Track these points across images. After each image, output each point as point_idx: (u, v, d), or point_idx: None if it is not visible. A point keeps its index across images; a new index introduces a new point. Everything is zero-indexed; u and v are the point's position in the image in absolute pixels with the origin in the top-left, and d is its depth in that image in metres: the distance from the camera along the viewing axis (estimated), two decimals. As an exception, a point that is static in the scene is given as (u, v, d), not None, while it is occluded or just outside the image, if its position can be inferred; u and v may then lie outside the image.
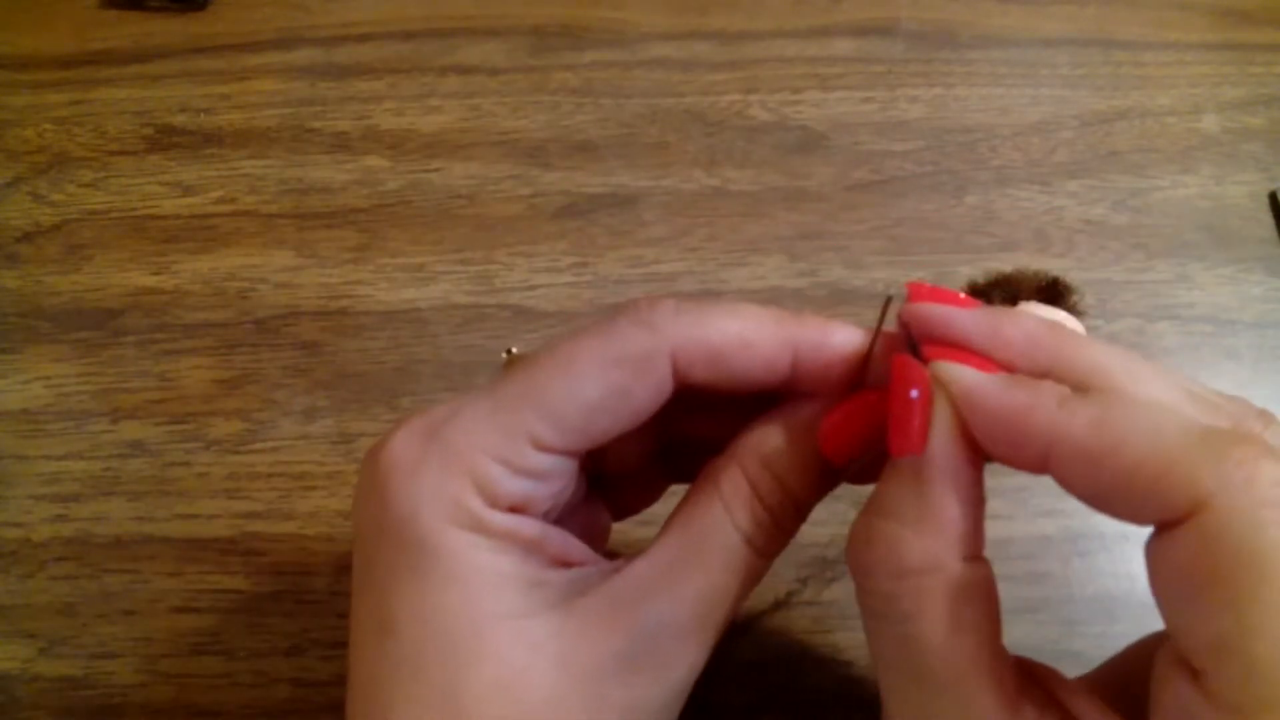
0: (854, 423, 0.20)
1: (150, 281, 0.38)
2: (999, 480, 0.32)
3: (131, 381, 0.36)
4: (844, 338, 0.20)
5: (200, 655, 0.31)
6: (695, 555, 0.20)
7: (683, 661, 0.20)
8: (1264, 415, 0.18)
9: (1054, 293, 0.33)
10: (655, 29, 0.45)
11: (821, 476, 0.21)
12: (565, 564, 0.20)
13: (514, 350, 0.23)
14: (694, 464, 0.22)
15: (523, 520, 0.20)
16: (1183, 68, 0.43)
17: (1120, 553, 0.32)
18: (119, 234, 0.39)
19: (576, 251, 0.38)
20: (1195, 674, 0.16)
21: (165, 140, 0.42)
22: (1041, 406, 0.17)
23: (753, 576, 0.20)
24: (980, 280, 0.34)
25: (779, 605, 0.31)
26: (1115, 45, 0.44)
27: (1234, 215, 0.39)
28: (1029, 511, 0.32)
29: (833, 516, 0.32)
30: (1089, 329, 0.33)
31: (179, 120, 0.43)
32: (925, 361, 0.19)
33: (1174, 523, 0.16)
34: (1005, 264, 0.35)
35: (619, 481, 0.25)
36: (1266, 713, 0.15)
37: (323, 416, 0.35)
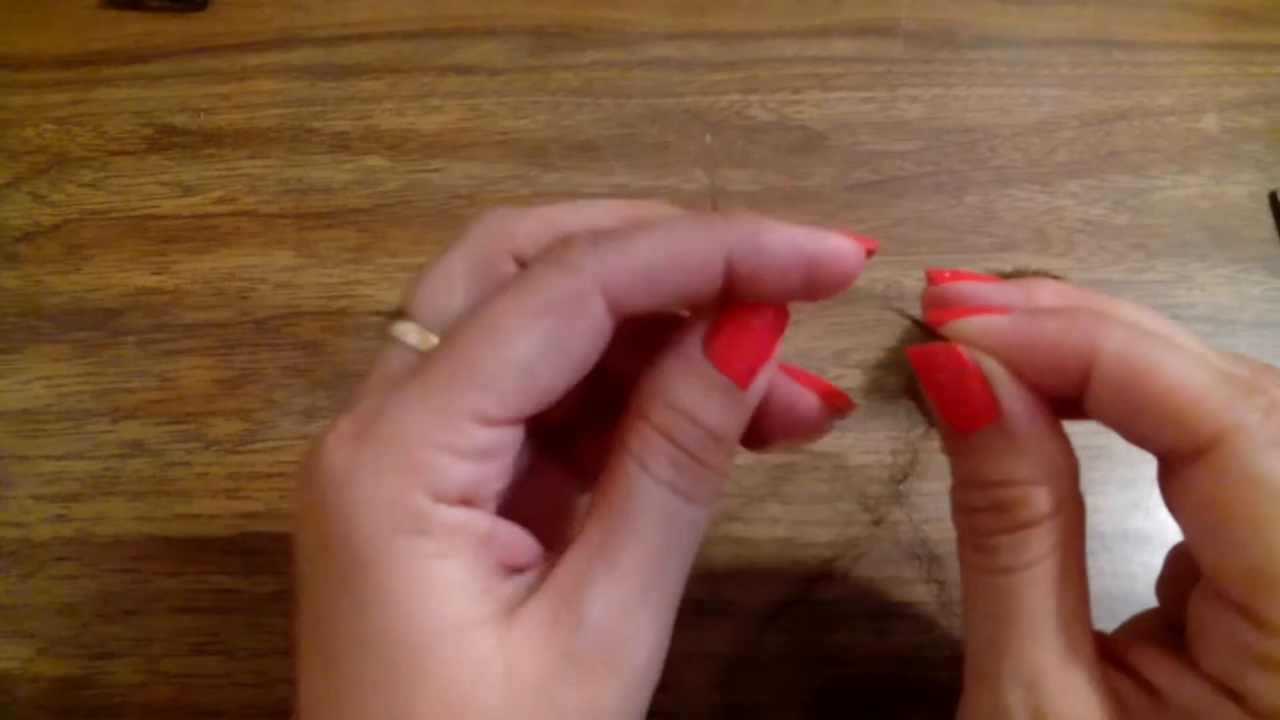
0: (742, 334, 0.19)
1: (150, 281, 0.38)
2: (999, 480, 0.32)
3: (131, 381, 0.36)
4: (774, 239, 0.19)
5: (200, 655, 0.31)
6: (624, 523, 0.18)
7: (638, 644, 0.18)
8: (1272, 371, 0.19)
9: (1054, 293, 0.33)
10: (655, 29, 0.45)
11: (733, 401, 0.19)
12: (512, 568, 0.19)
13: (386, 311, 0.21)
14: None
15: (472, 514, 0.18)
16: (1183, 68, 0.43)
17: (1120, 553, 0.32)
18: (119, 234, 0.39)
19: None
20: (1240, 607, 0.16)
21: (165, 140, 0.42)
22: (1081, 323, 0.18)
23: (691, 529, 0.19)
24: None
25: (779, 605, 0.31)
26: (1115, 45, 0.44)
27: (1234, 215, 0.39)
28: (1029, 511, 0.32)
29: (836, 517, 0.32)
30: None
31: (179, 120, 0.43)
32: (934, 334, 0.19)
33: (1194, 454, 0.17)
34: (1005, 264, 0.36)
35: (570, 436, 0.23)
36: None
37: (323, 416, 0.35)
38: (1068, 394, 0.18)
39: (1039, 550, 0.18)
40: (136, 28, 0.46)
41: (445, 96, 0.43)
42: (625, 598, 0.18)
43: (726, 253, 0.19)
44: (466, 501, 0.18)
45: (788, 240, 0.19)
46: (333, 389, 0.35)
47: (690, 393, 0.19)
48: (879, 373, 0.35)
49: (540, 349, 0.18)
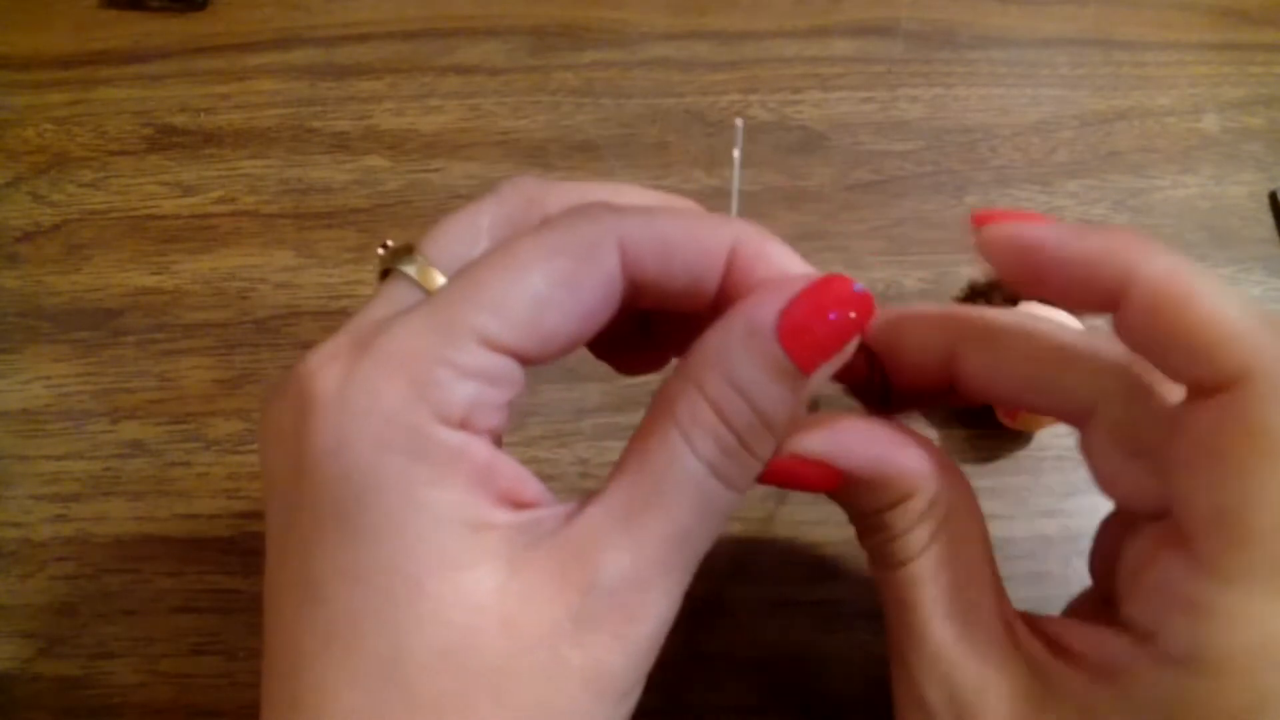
0: (819, 316, 0.18)
1: (150, 281, 0.38)
2: (999, 480, 0.32)
3: (131, 381, 0.36)
4: (777, 249, 0.20)
5: (200, 655, 0.31)
6: (654, 494, 0.17)
7: (648, 615, 0.17)
8: None
9: (1054, 293, 0.33)
10: (655, 29, 0.45)
11: (794, 389, 0.18)
12: (516, 503, 0.18)
13: (390, 243, 0.20)
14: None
15: (471, 439, 0.17)
16: (1183, 68, 0.43)
17: (1120, 553, 0.32)
18: (119, 234, 0.39)
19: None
20: (1184, 542, 0.16)
21: (165, 140, 0.42)
22: (1123, 245, 0.18)
23: (722, 512, 0.18)
24: (980, 280, 0.34)
25: (779, 605, 0.31)
26: (1115, 45, 0.44)
27: (1234, 215, 0.39)
28: (1029, 511, 0.32)
29: (832, 515, 0.32)
30: (1089, 329, 0.33)
31: (179, 120, 0.43)
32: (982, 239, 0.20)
33: (1214, 389, 0.16)
34: (1005, 264, 0.36)
35: None
36: (1251, 580, 0.15)
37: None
38: (1093, 311, 0.18)
39: (923, 536, 0.19)
40: (136, 28, 0.46)
41: (445, 96, 0.43)
42: (642, 569, 0.17)
43: (731, 247, 0.19)
44: (466, 425, 0.17)
45: (786, 259, 0.20)
46: (333, 389, 0.35)
47: (753, 371, 0.18)
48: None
49: (552, 283, 0.18)
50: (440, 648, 0.16)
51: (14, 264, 0.39)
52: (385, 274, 0.20)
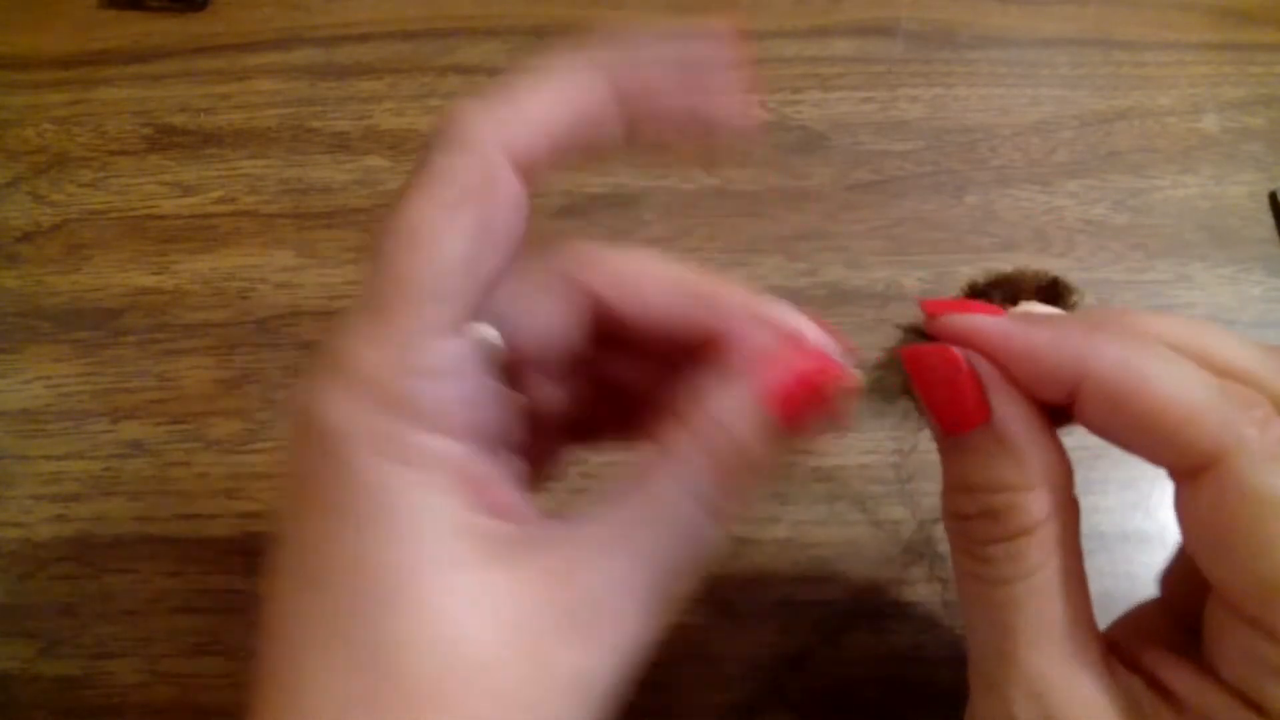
0: (803, 389, 0.19)
1: (150, 281, 0.38)
2: (999, 480, 0.32)
3: (131, 381, 0.36)
4: (659, 49, 0.19)
5: (200, 655, 0.31)
6: (646, 515, 0.18)
7: (632, 626, 0.18)
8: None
9: (1054, 293, 0.33)
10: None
11: (779, 440, 0.19)
12: (496, 508, 0.18)
13: None
14: (618, 420, 0.22)
15: (446, 442, 0.18)
16: (1183, 68, 0.43)
17: (1120, 553, 0.32)
18: (119, 234, 0.39)
19: (576, 251, 0.38)
20: (1251, 620, 0.16)
21: (165, 140, 0.42)
22: (1071, 337, 0.17)
23: (709, 540, 0.19)
24: (980, 280, 0.34)
25: (779, 605, 0.31)
26: (1115, 45, 0.44)
27: (1234, 215, 0.39)
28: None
29: (832, 517, 0.32)
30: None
31: (179, 120, 0.43)
32: (929, 338, 0.19)
33: (1193, 471, 0.16)
34: (1005, 264, 0.36)
35: (541, 431, 0.23)
36: None
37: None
38: (1058, 405, 0.18)
39: (1036, 559, 0.18)
40: (136, 28, 0.46)
41: (445, 96, 0.43)
42: (634, 585, 0.18)
43: (612, 83, 0.18)
44: (438, 427, 0.17)
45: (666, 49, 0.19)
46: (333, 389, 0.35)
47: (742, 418, 0.19)
48: (879, 372, 0.35)
49: (468, 243, 0.17)
50: (432, 639, 0.16)
51: (14, 264, 0.39)
52: None
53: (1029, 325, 0.18)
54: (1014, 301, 0.33)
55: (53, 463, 0.34)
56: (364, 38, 0.45)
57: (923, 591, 0.31)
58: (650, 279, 0.20)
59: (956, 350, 0.19)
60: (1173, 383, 0.17)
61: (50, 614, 0.32)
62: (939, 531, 0.32)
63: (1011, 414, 0.18)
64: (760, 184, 0.40)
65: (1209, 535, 0.17)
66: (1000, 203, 0.39)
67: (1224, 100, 0.42)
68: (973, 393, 0.18)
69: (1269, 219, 0.39)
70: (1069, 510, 0.19)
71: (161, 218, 0.40)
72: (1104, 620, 0.30)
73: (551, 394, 0.22)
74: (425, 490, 0.17)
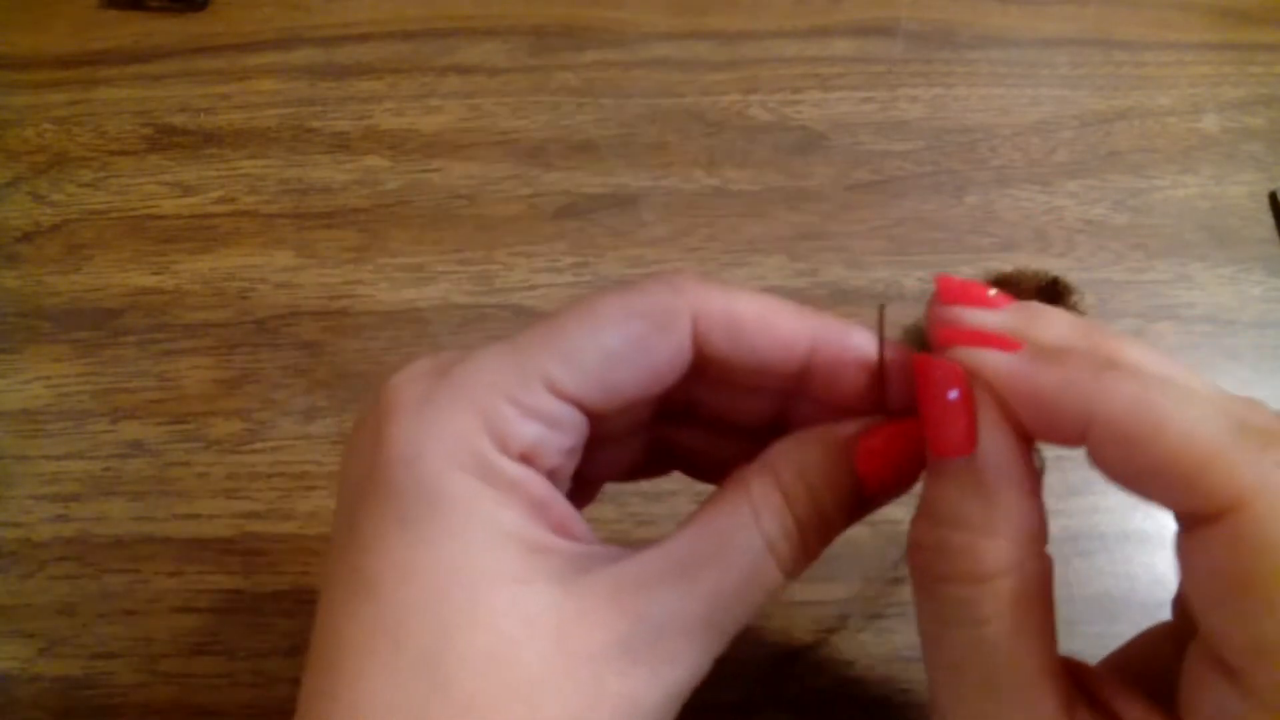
0: (893, 447, 0.20)
1: (150, 281, 0.38)
2: (999, 480, 0.32)
3: (131, 381, 0.36)
4: (861, 339, 0.20)
5: (200, 655, 0.31)
6: (715, 553, 0.18)
7: (686, 660, 0.18)
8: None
9: (1054, 293, 0.33)
10: (655, 29, 0.45)
11: (853, 499, 0.20)
12: (562, 529, 0.19)
13: None
14: (666, 467, 0.23)
15: (531, 474, 0.18)
16: (1183, 68, 0.43)
17: (1120, 553, 0.32)
18: (119, 234, 0.39)
19: (576, 251, 0.38)
20: (1232, 673, 0.16)
21: (165, 140, 0.42)
22: (1079, 380, 0.17)
23: (770, 590, 0.19)
24: (980, 280, 0.34)
25: (779, 606, 0.31)
26: (1115, 45, 0.44)
27: (1234, 215, 0.39)
28: (1029, 511, 0.32)
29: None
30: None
31: (179, 120, 0.43)
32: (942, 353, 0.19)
33: (1208, 518, 0.16)
34: (1005, 264, 0.36)
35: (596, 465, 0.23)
36: None
37: (323, 416, 0.35)
38: (1070, 446, 0.18)
39: (988, 610, 0.17)
40: (136, 28, 0.46)
41: (445, 96, 0.43)
42: (691, 618, 0.18)
43: (811, 339, 0.19)
44: (527, 459, 0.18)
45: (866, 345, 0.20)
46: (333, 389, 0.35)
47: (823, 477, 0.19)
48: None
49: (625, 343, 0.19)
50: (486, 652, 0.16)
51: (14, 264, 0.39)
52: None
53: (1037, 365, 0.18)
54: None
55: (53, 463, 0.34)
56: (364, 38, 0.45)
57: (923, 591, 0.31)
58: (766, 325, 0.20)
59: (965, 370, 0.18)
60: (1189, 423, 0.16)
61: (50, 614, 0.32)
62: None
63: (995, 452, 0.18)
64: (760, 184, 0.40)
65: (1215, 583, 0.16)
66: (1000, 203, 0.39)
67: (1224, 100, 0.42)
68: (965, 419, 0.18)
69: (1269, 219, 0.39)
70: (1035, 566, 0.18)
71: (161, 218, 0.40)
72: (1104, 620, 0.30)
73: (616, 443, 0.22)
74: (500, 508, 0.17)
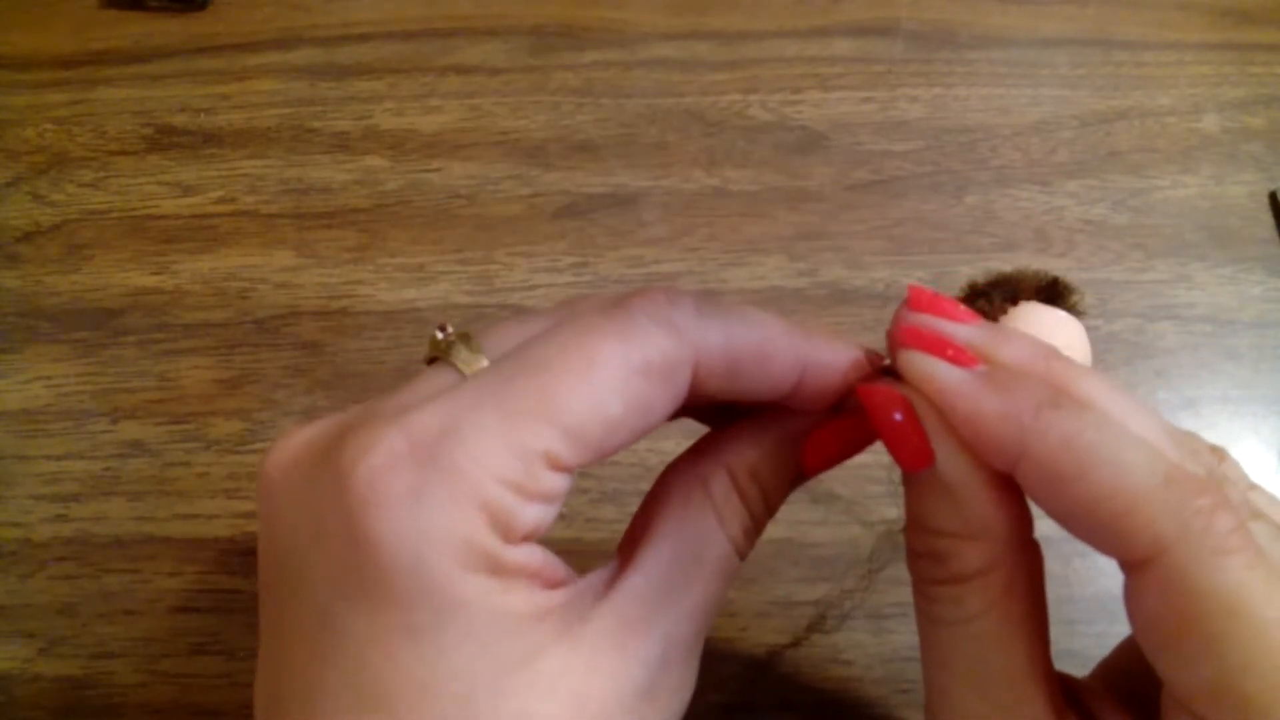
0: (837, 441, 0.20)
1: (150, 281, 0.38)
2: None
3: (131, 381, 0.36)
4: (849, 356, 0.20)
5: (200, 655, 0.31)
6: (693, 566, 0.19)
7: (689, 679, 0.19)
8: (1216, 451, 0.19)
9: (1054, 293, 0.33)
10: (655, 29, 0.45)
11: (793, 484, 0.21)
12: (552, 583, 0.18)
13: (449, 329, 0.20)
14: None
15: (532, 549, 0.17)
16: (1183, 68, 0.43)
17: (1120, 553, 0.32)
18: (119, 234, 0.39)
19: (576, 251, 0.38)
20: (1197, 718, 0.16)
21: (165, 140, 0.42)
22: (1015, 414, 0.17)
23: (732, 582, 0.20)
24: (980, 280, 0.34)
25: (779, 605, 0.31)
26: (1115, 45, 0.44)
27: (1234, 215, 0.39)
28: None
29: (831, 517, 0.32)
30: (1089, 329, 0.33)
31: (179, 120, 0.43)
32: (896, 358, 0.19)
33: (1135, 564, 0.16)
34: (1005, 264, 0.35)
35: None
36: None
37: (323, 417, 0.35)
38: (1005, 471, 0.17)
39: (975, 606, 0.18)
40: (136, 28, 0.46)
41: (445, 96, 0.43)
42: (687, 638, 0.18)
43: (802, 365, 0.19)
44: (528, 539, 0.17)
45: (851, 357, 0.20)
46: (333, 389, 0.35)
47: (775, 473, 0.20)
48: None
49: (629, 408, 0.17)
50: None
51: (14, 264, 0.39)
52: (433, 360, 0.19)
53: (981, 388, 0.17)
54: (1014, 301, 0.32)
55: (53, 463, 0.34)
56: (364, 38, 0.45)
57: (922, 591, 0.31)
58: (762, 362, 0.19)
59: (903, 391, 0.18)
60: (1116, 469, 0.16)
61: (50, 614, 0.32)
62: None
63: (953, 463, 0.18)
64: (760, 184, 0.40)
65: (1155, 629, 0.16)
66: (1000, 203, 0.39)
67: (1224, 100, 0.42)
68: (915, 436, 0.18)
69: (1269, 219, 0.39)
70: (1022, 559, 0.18)
71: (161, 218, 0.40)
72: (1105, 620, 0.30)
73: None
74: (507, 596, 0.17)
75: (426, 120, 0.42)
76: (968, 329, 0.19)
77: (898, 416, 0.18)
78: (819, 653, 0.30)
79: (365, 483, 0.16)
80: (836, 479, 0.33)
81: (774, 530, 0.32)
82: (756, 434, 0.20)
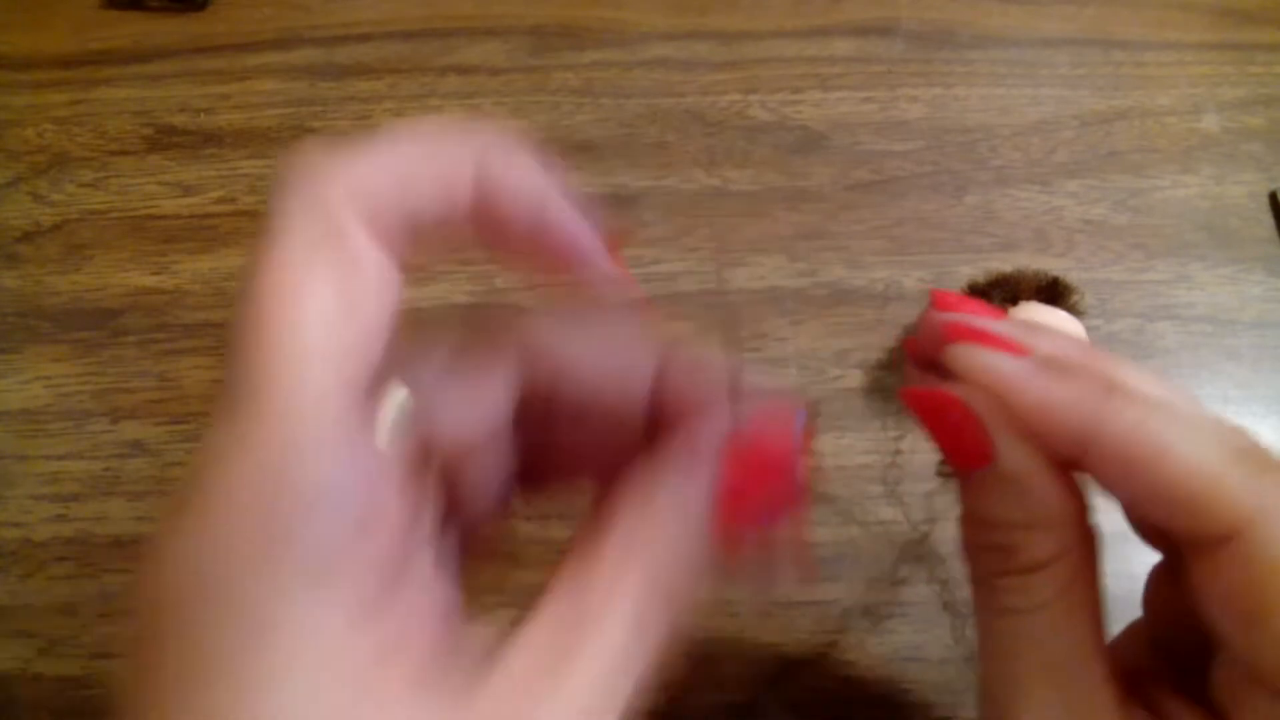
0: (755, 511, 0.17)
1: (150, 281, 0.38)
2: (999, 480, 0.32)
3: (131, 381, 0.36)
4: (526, 172, 0.18)
5: (200, 655, 0.31)
6: (582, 624, 0.15)
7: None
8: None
9: (1054, 293, 0.33)
10: (655, 29, 0.45)
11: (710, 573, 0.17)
12: (417, 655, 0.14)
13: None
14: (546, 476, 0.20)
15: (344, 590, 0.13)
16: (1183, 68, 0.43)
17: (1120, 553, 0.31)
18: (119, 234, 0.39)
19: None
20: (1276, 693, 0.16)
21: (165, 140, 0.42)
22: (1085, 398, 0.17)
23: (664, 638, 0.16)
24: (980, 280, 0.34)
25: (779, 605, 0.31)
26: (1115, 45, 0.44)
27: (1234, 215, 0.39)
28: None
29: (831, 517, 0.32)
30: (1089, 329, 0.33)
31: (179, 120, 0.43)
32: (926, 372, 0.19)
33: (1212, 542, 0.16)
34: (1005, 264, 0.36)
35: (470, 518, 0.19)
36: None
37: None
38: (1066, 463, 0.17)
39: (1045, 594, 0.18)
40: (136, 28, 0.46)
41: (445, 96, 0.43)
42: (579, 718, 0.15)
43: (477, 162, 0.17)
44: (333, 566, 0.14)
45: (533, 185, 0.17)
46: (333, 389, 0.35)
47: (687, 559, 0.17)
48: (879, 373, 0.35)
49: (331, 311, 0.14)
50: None
51: (14, 264, 0.39)
52: None
53: (1047, 375, 0.17)
54: (1014, 301, 0.33)
55: (53, 463, 0.34)
56: (364, 38, 0.45)
57: (922, 592, 0.31)
58: (600, 358, 0.18)
59: (957, 393, 0.18)
60: (1190, 449, 0.16)
61: (50, 614, 0.32)
62: (937, 533, 0.32)
63: (1017, 456, 0.18)
64: (760, 184, 0.40)
65: (1234, 608, 0.16)
66: (1000, 203, 0.39)
67: (1224, 100, 0.42)
68: (976, 436, 0.18)
69: (1269, 219, 0.39)
70: (1084, 545, 0.18)
71: (161, 218, 0.40)
72: (1105, 620, 0.30)
73: (480, 464, 0.18)
74: (310, 677, 0.13)
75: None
76: (1004, 323, 0.19)
77: (960, 419, 0.18)
78: (821, 654, 0.30)
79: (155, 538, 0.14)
80: (836, 480, 0.33)
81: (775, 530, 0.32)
82: (657, 503, 0.17)
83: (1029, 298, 0.33)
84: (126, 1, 0.46)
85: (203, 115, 0.43)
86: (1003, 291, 0.33)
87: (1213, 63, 0.43)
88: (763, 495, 0.17)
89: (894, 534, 0.32)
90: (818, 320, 0.37)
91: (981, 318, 0.19)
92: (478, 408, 0.17)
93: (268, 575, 0.13)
